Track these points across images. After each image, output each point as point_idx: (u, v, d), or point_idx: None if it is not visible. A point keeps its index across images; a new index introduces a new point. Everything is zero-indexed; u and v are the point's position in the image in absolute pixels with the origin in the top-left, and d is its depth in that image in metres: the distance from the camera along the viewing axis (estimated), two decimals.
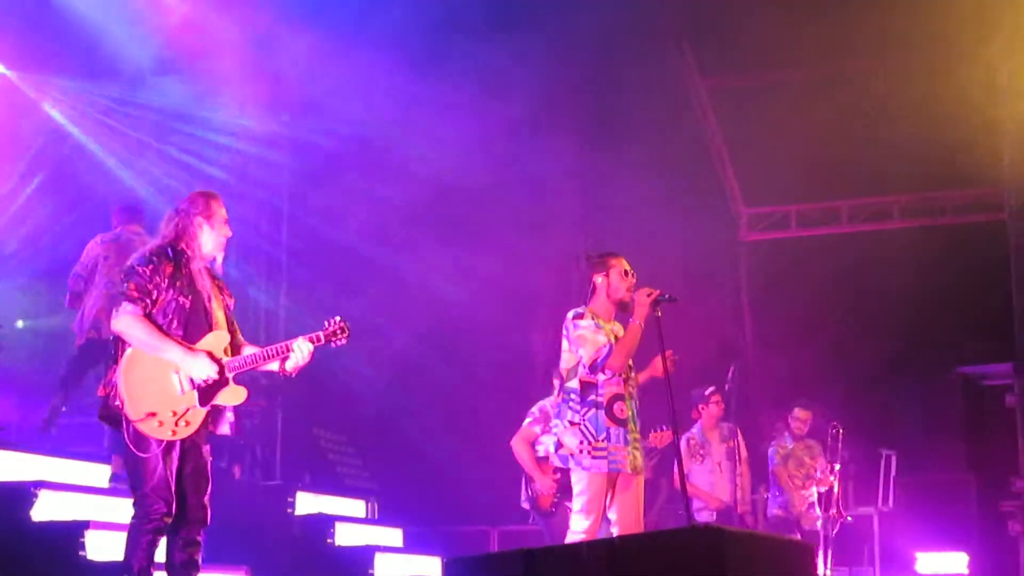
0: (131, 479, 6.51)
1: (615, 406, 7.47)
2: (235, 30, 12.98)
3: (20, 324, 11.73)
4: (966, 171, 12.97)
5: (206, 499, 6.58)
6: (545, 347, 13.43)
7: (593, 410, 7.46)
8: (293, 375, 6.73)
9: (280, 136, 14.32)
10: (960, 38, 11.48)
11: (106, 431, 10.06)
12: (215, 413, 6.56)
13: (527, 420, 9.84)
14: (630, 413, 7.52)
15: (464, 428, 13.39)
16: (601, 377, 7.48)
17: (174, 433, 6.34)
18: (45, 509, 8.29)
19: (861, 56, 12.76)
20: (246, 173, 14.19)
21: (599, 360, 7.44)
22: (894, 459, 12.95)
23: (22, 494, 8.29)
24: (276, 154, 14.50)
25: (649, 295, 7.42)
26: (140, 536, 6.42)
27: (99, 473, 9.43)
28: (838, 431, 11.50)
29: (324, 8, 12.86)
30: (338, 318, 6.62)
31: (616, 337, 7.57)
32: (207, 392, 6.43)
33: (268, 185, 14.49)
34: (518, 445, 9.91)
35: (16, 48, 12.71)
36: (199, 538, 6.58)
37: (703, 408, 11.12)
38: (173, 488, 6.43)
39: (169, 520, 6.45)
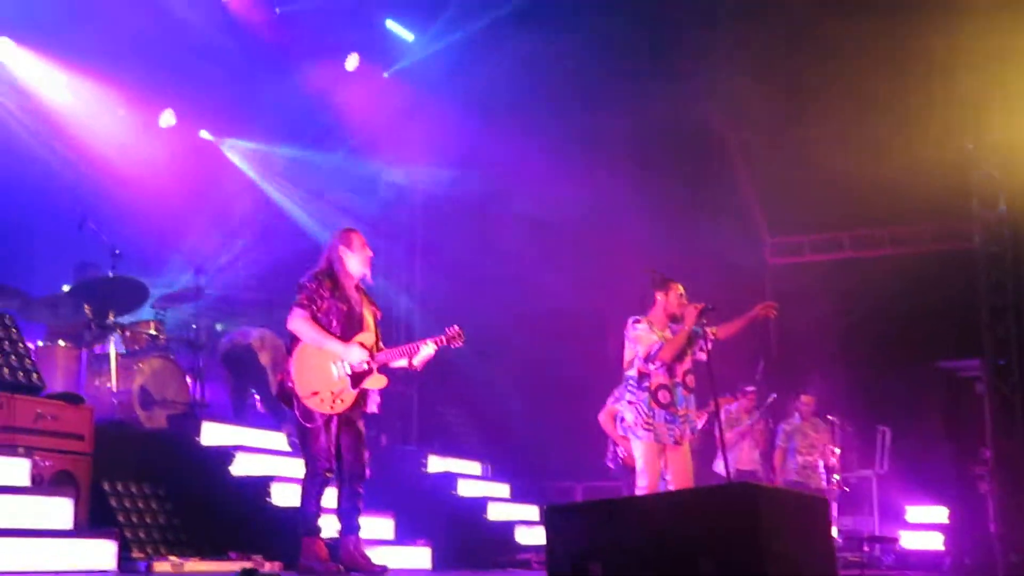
0: (301, 444, 6.70)
1: (659, 393, 7.52)
2: (392, 104, 13.22)
3: (219, 327, 11.90)
4: (940, 207, 12.91)
5: (365, 459, 6.71)
6: (616, 344, 13.48)
7: (645, 394, 7.52)
8: (419, 369, 6.86)
9: (416, 181, 14.48)
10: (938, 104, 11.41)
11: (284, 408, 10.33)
12: (363, 395, 6.70)
13: (610, 400, 9.86)
14: (672, 398, 7.54)
15: (554, 407, 13.42)
16: (652, 367, 7.52)
17: (332, 408, 6.52)
18: (241, 467, 8.50)
19: (865, 118, 12.65)
20: (391, 212, 14.38)
21: (651, 353, 7.51)
22: (888, 433, 12.86)
23: (224, 455, 8.52)
24: (413, 195, 14.71)
25: (696, 307, 7.51)
26: (310, 488, 6.59)
27: (280, 439, 9.59)
28: (838, 423, 11.78)
29: (454, 88, 13.09)
30: (456, 326, 6.71)
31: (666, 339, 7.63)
32: (357, 378, 6.58)
33: (405, 221, 14.68)
34: (605, 419, 9.94)
35: (215, 116, 13.00)
36: (360, 490, 6.72)
37: (740, 397, 11.25)
38: (333, 451, 6.59)
39: (331, 475, 6.60)
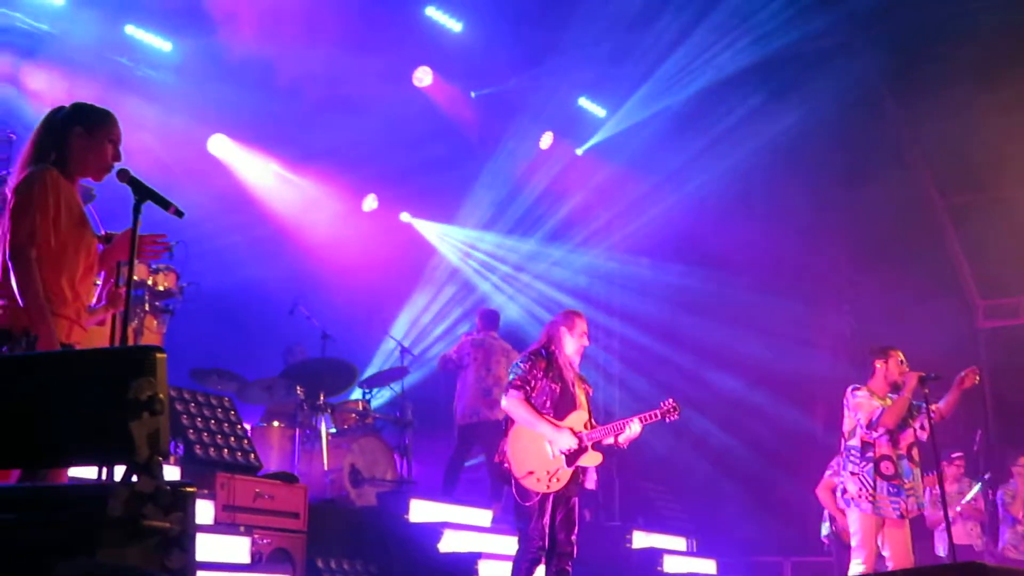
0: (517, 521, 6.69)
1: (882, 464, 7.31)
2: (585, 180, 13.34)
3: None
4: None
5: (574, 538, 6.67)
6: (823, 413, 13.09)
7: (868, 464, 7.30)
8: (625, 447, 6.80)
9: (613, 256, 14.50)
10: None
11: (487, 485, 10.40)
12: (580, 472, 6.68)
13: (827, 472, 9.56)
14: (897, 470, 7.28)
15: (758, 481, 13.10)
16: (875, 435, 7.31)
17: (548, 487, 6.51)
18: (449, 543, 8.54)
19: None
20: (589, 288, 14.43)
21: (874, 419, 7.32)
22: None
23: (433, 532, 8.58)
24: (611, 270, 14.73)
25: (916, 374, 7.27)
26: (521, 565, 6.56)
27: (484, 516, 9.62)
28: None
29: (648, 163, 13.11)
30: (671, 399, 6.67)
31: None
32: (572, 456, 6.57)
33: (603, 296, 14.68)
34: (822, 492, 9.65)
35: (414, 198, 13.35)
36: (568, 568, 6.67)
37: (947, 465, 10.72)
38: (547, 530, 6.56)
39: (543, 554, 6.56)
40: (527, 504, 6.51)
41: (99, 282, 4.93)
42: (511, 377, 6.73)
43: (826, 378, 12.92)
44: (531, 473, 6.52)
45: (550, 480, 6.52)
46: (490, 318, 10.92)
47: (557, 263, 13.92)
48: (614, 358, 14.44)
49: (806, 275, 13.40)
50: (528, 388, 6.63)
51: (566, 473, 6.57)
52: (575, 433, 6.61)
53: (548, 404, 6.65)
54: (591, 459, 6.67)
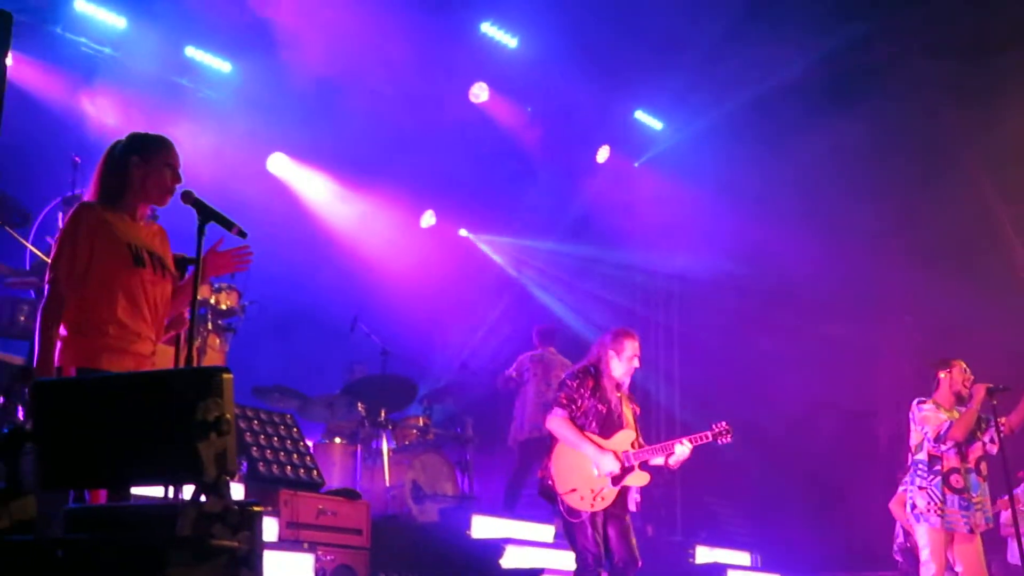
0: (568, 538, 6.68)
1: (951, 477, 7.22)
2: (643, 193, 13.30)
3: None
4: None
5: (635, 551, 6.62)
6: (887, 426, 12.92)
7: (937, 478, 7.20)
8: (675, 468, 6.75)
9: (670, 268, 14.42)
10: None
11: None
12: (625, 492, 6.65)
13: (901, 487, 9.44)
14: (965, 483, 7.18)
15: (822, 495, 12.94)
16: (942, 448, 7.22)
17: (592, 506, 6.50)
18: (511, 559, 8.54)
19: None
20: (647, 300, 14.38)
21: (942, 432, 7.23)
22: None
23: (495, 548, 8.58)
24: (668, 283, 14.65)
25: (984, 385, 7.18)
26: None
27: (547, 531, 9.60)
28: None
29: (705, 173, 13.04)
30: (723, 422, 6.62)
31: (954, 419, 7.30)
32: (618, 476, 6.54)
33: (661, 309, 14.62)
34: (896, 506, 9.52)
35: (472, 213, 13.41)
36: None
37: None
38: (601, 544, 6.53)
39: (600, 565, 6.54)
40: (575, 520, 6.50)
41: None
42: (557, 394, 6.73)
43: (890, 390, 12.74)
44: (574, 491, 6.51)
45: (594, 499, 6.49)
46: (547, 334, 10.97)
47: (614, 275, 13.86)
48: (675, 365, 14.36)
49: (868, 287, 13.21)
50: (574, 407, 6.62)
51: (611, 492, 6.53)
52: (619, 455, 6.56)
53: (594, 424, 6.62)
54: (637, 479, 6.62)
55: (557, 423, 6.61)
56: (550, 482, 6.59)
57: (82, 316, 4.58)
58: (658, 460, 6.70)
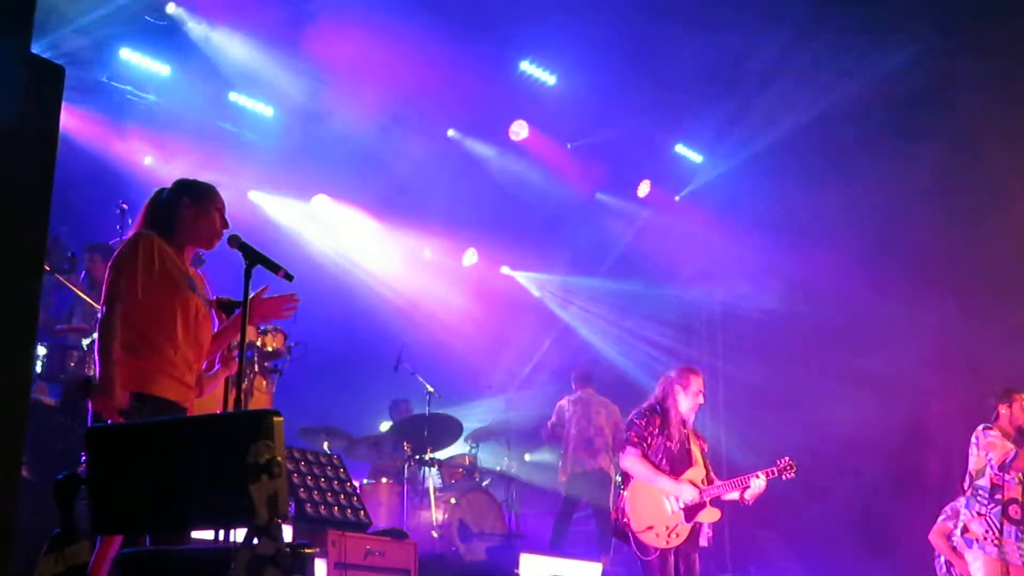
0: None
1: (1011, 507, 7.17)
2: (685, 227, 13.29)
3: (527, 457, 12.15)
4: None
5: None
6: (938, 459, 12.72)
7: (997, 507, 7.16)
8: (750, 503, 6.76)
9: (714, 302, 14.37)
10: None
11: (595, 537, 10.36)
12: (697, 528, 6.68)
13: (941, 517, 9.32)
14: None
15: (872, 528, 12.78)
16: (1007, 478, 7.18)
17: (667, 543, 6.55)
18: None
19: None
20: (691, 334, 14.32)
21: (1007, 461, 7.19)
22: None
23: None
24: (712, 316, 14.60)
25: None
26: None
27: (594, 569, 9.53)
28: None
29: (746, 206, 13.00)
30: (787, 458, 6.70)
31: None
32: (691, 512, 6.58)
33: (706, 343, 14.55)
34: (935, 538, 9.39)
35: (514, 251, 13.44)
36: None
37: None
38: None
39: None
40: (646, 559, 6.55)
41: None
42: (628, 433, 6.79)
43: (942, 423, 12.58)
44: (650, 528, 6.57)
45: (669, 535, 6.56)
46: (584, 377, 11.05)
47: (658, 310, 13.82)
48: (719, 404, 14.26)
49: (916, 321, 13.08)
50: (645, 445, 6.69)
51: (685, 528, 6.59)
52: (696, 486, 6.62)
53: (664, 461, 6.68)
54: (709, 515, 6.71)
55: (631, 461, 6.70)
56: (625, 520, 6.67)
57: (138, 337, 4.60)
58: (733, 495, 6.73)
